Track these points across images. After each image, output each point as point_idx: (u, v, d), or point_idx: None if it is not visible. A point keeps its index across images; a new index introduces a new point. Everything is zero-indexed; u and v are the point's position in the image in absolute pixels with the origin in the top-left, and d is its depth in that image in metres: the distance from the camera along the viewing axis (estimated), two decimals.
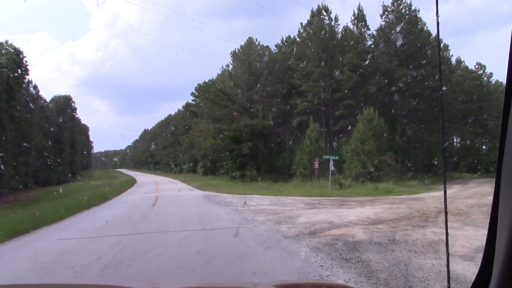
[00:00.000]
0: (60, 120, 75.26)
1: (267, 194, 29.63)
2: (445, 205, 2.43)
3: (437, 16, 2.87)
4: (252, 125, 47.22)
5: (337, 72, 43.45)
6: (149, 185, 46.76)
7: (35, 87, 61.94)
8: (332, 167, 29.93)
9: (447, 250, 2.35)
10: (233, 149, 49.36)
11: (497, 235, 1.16)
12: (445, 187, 2.77)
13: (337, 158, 31.57)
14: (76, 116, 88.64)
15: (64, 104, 77.12)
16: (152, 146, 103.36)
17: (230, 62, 52.84)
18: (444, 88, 38.53)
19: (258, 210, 18.04)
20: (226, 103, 50.08)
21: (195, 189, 36.73)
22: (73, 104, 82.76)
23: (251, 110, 49.00)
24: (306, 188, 34.44)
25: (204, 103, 57.57)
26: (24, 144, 58.75)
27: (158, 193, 32.77)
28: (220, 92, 49.74)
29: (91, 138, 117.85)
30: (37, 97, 63.30)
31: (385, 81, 44.21)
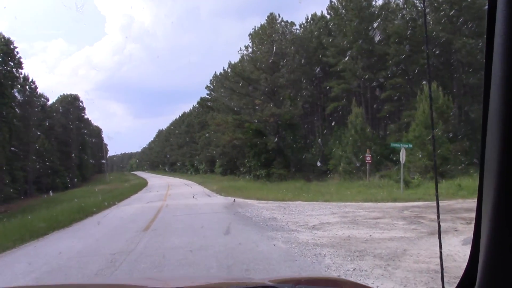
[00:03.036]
0: (67, 120, 66.67)
1: (313, 199, 20.20)
2: (437, 202, 2.16)
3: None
4: (279, 115, 37.85)
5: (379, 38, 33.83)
6: (159, 189, 37.63)
7: (33, 82, 53.14)
8: (403, 159, 20.41)
9: (440, 244, 1.95)
10: (257, 143, 40.06)
11: (481, 228, 1.13)
12: (436, 185, 3.09)
13: (410, 146, 22.04)
14: (86, 117, 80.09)
15: (70, 104, 68.32)
16: (156, 148, 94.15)
17: (249, 45, 43.34)
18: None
19: (342, 244, 8.61)
20: (246, 90, 40.74)
21: (214, 194, 27.41)
22: (81, 104, 74.09)
23: (277, 97, 39.55)
24: (358, 189, 25.03)
25: (221, 93, 48.10)
26: (21, 146, 50.22)
27: (165, 201, 23.55)
28: (239, 77, 40.39)
29: (106, 141, 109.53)
30: (34, 95, 54.36)
31: (439, 54, 34.52)
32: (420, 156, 26.59)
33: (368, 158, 26.84)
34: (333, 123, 41.28)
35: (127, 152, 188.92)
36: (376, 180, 26.85)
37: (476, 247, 1.19)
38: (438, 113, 27.25)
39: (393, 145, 21.84)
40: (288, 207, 16.82)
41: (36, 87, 54.16)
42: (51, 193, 51.57)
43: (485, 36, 1.13)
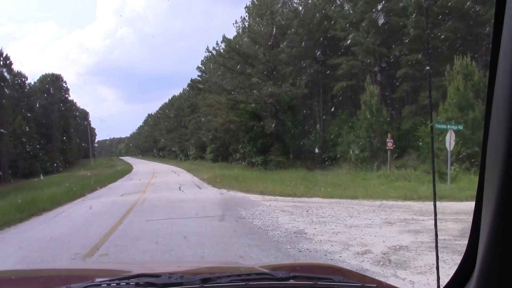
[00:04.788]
0: (48, 101, 60.58)
1: (334, 195, 15.07)
2: (434, 187, 2.08)
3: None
4: (278, 95, 32.54)
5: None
6: (142, 176, 32.27)
7: (7, 58, 46.96)
8: (451, 144, 15.24)
9: (436, 234, 1.99)
10: (253, 127, 34.78)
11: (482, 219, 1.08)
12: (433, 170, 2.79)
13: (461, 128, 16.83)
14: (70, 98, 73.89)
15: (51, 83, 62.11)
16: (145, 133, 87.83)
17: (245, 17, 37.49)
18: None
19: None
20: (242, 67, 35.28)
21: (205, 184, 22.04)
22: (64, 85, 67.82)
23: (276, 75, 34.19)
24: (379, 181, 20.31)
25: (213, 72, 42.33)
26: None
27: (144, 193, 18.24)
28: (234, 52, 34.89)
29: (94, 125, 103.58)
30: (9, 72, 48.14)
31: (463, 27, 29.46)
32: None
33: (390, 144, 21.84)
34: (340, 105, 36.15)
35: (116, 137, 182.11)
36: (400, 171, 21.73)
37: (475, 240, 1.15)
38: (474, 91, 22.17)
39: (438, 126, 16.65)
40: (310, 209, 11.63)
41: (11, 63, 47.90)
42: (34, 179, 46.29)
43: (492, 30, 1.02)
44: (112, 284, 1.44)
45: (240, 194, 16.04)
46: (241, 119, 35.01)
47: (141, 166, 53.50)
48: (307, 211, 11.12)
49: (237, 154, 41.32)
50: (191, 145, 61.38)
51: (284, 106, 33.78)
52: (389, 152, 22.23)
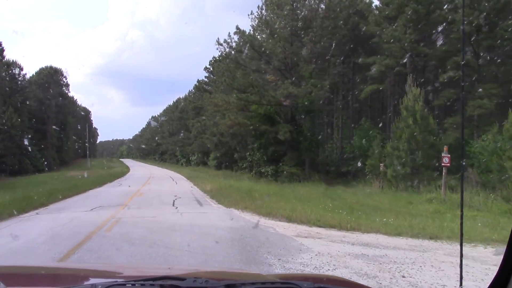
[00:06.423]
0: (45, 95, 55.32)
1: (400, 231, 9.58)
2: (461, 202, 2.23)
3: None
4: (296, 96, 27.30)
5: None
6: (135, 182, 26.98)
7: None
8: None
9: (461, 247, 1.86)
10: (264, 132, 29.51)
11: None
12: (462, 185, 2.91)
13: None
14: (70, 95, 68.66)
15: (49, 77, 56.79)
16: (147, 135, 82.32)
17: (261, 10, 32.09)
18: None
19: None
20: (256, 63, 30.08)
21: (208, 198, 16.46)
22: (64, 80, 62.52)
23: (296, 74, 28.95)
24: (432, 206, 15.54)
25: (223, 70, 36.80)
26: None
27: (123, 209, 12.81)
28: (248, 45, 29.64)
29: (97, 125, 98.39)
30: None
31: None
32: None
33: (446, 160, 16.46)
34: (368, 111, 30.83)
35: (119, 139, 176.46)
36: (453, 195, 16.25)
37: (509, 259, 1.09)
38: None
39: None
40: (398, 267, 6.23)
41: (3, 50, 42.61)
42: (21, 177, 41.33)
43: None
44: (136, 285, 1.39)
45: (261, 221, 10.61)
46: (252, 122, 29.77)
47: (138, 170, 48.20)
48: (403, 276, 5.71)
49: (244, 162, 36.01)
50: (194, 149, 56.04)
51: (302, 110, 28.50)
52: (444, 170, 16.84)
